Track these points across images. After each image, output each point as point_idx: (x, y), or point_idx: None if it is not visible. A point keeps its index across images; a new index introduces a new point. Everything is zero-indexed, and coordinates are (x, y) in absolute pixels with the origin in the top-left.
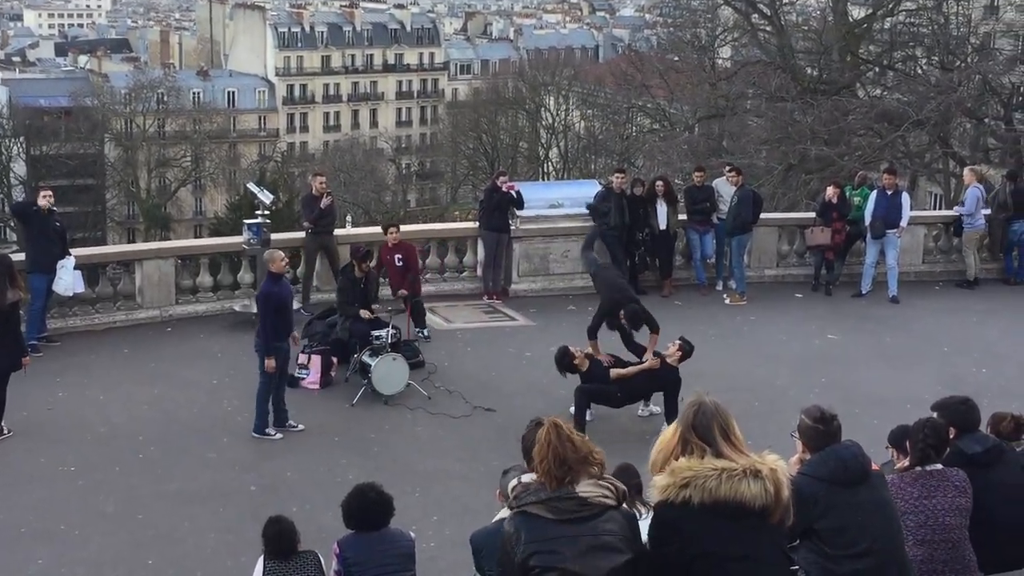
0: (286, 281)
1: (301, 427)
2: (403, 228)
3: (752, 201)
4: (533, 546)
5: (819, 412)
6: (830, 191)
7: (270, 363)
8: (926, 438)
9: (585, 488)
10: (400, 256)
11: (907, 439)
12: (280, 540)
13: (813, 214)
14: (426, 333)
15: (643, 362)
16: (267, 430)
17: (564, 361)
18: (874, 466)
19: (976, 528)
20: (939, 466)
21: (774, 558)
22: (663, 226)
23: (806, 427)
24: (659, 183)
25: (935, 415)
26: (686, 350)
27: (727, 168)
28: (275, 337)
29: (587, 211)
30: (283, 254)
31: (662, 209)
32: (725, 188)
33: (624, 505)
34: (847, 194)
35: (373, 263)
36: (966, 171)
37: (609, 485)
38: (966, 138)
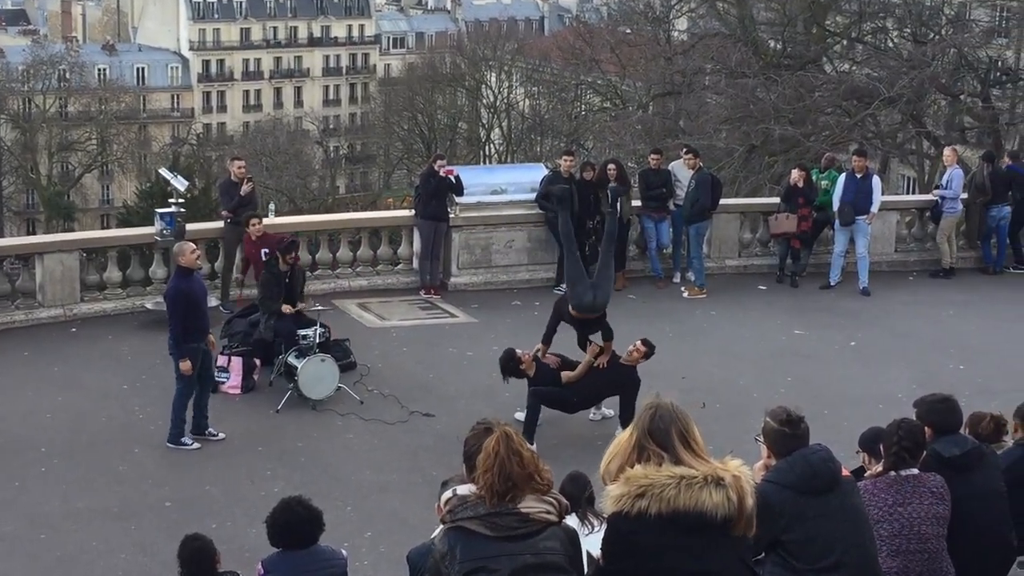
0: (198, 276)
1: (221, 436)
2: (332, 216)
3: (711, 186)
4: (469, 564)
5: (785, 414)
6: (795, 175)
7: (185, 365)
8: (900, 440)
9: (527, 504)
10: (268, 251)
11: (880, 442)
12: (198, 560)
13: (777, 200)
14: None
15: (594, 361)
16: (183, 439)
17: (510, 365)
18: (844, 472)
19: (954, 536)
20: (915, 471)
21: (738, 573)
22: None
23: (771, 430)
24: (611, 166)
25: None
26: (647, 351)
27: (684, 150)
28: (187, 338)
29: (536, 200)
30: (193, 246)
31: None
32: (682, 172)
33: (568, 520)
34: (814, 178)
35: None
36: (947, 151)
37: (551, 500)
38: (941, 116)
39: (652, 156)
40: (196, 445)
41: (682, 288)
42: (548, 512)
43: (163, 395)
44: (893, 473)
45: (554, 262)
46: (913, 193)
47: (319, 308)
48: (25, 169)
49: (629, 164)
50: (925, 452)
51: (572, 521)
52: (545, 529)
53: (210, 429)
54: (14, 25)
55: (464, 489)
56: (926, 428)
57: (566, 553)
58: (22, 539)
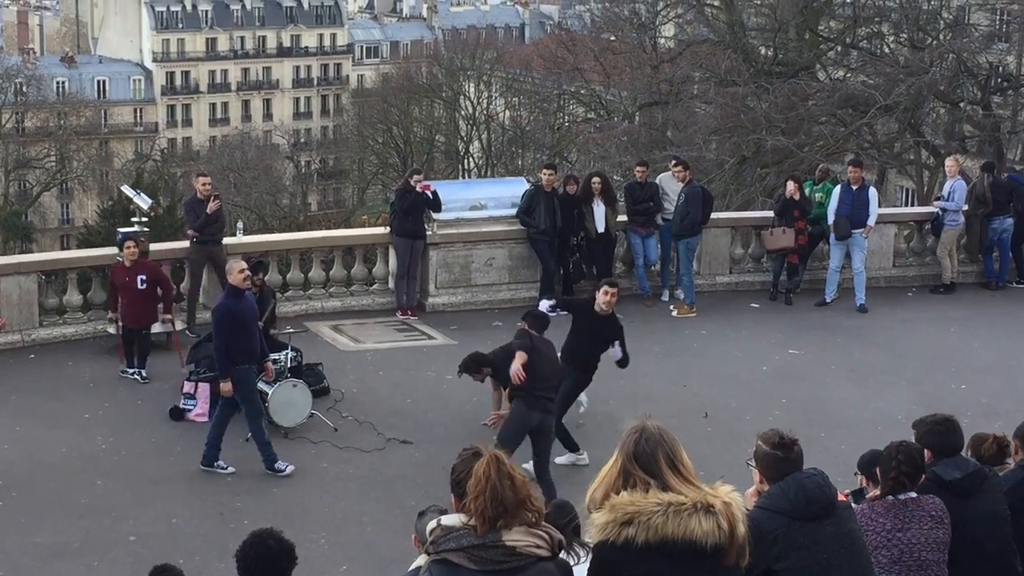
0: (249, 296)
1: (231, 470)
2: (304, 234)
3: (701, 199)
4: None
5: (778, 437)
6: (791, 187)
7: (225, 387)
8: (900, 464)
9: (514, 536)
10: (144, 277)
11: (878, 465)
12: None
13: (771, 213)
14: (144, 374)
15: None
16: (218, 463)
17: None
18: (840, 496)
19: (957, 562)
20: (913, 494)
21: None
22: (601, 229)
23: (763, 454)
24: (595, 180)
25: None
26: (617, 288)
27: (672, 162)
28: (233, 359)
29: (517, 216)
30: (243, 265)
31: (599, 209)
32: (671, 185)
33: (561, 555)
34: (806, 191)
35: (266, 276)
36: (949, 161)
37: (543, 534)
38: (940, 125)
39: (638, 168)
40: (231, 470)
41: (671, 307)
42: (538, 546)
43: (127, 424)
44: (891, 497)
45: (537, 280)
46: (912, 205)
47: (291, 331)
48: None
49: (615, 177)
50: (924, 475)
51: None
52: (535, 564)
53: (220, 462)
54: None
55: (449, 519)
56: (925, 451)
57: None
58: None
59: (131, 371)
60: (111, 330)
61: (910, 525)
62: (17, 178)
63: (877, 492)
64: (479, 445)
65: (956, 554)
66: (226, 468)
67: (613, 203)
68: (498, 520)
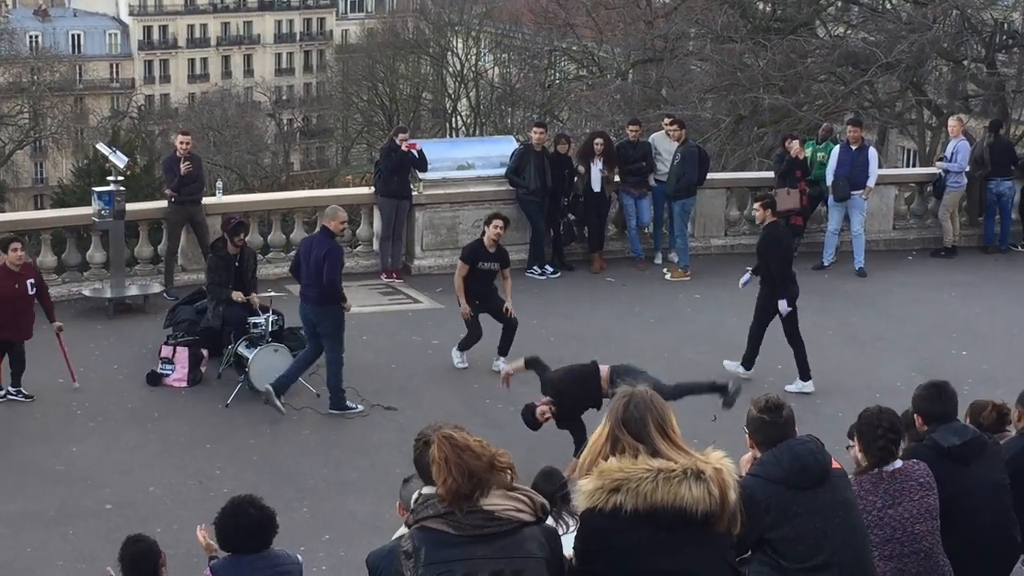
0: (339, 243)
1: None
2: (286, 194)
3: (697, 159)
4: (433, 568)
5: (764, 400)
6: (795, 147)
7: (348, 304)
8: (886, 432)
9: (493, 501)
10: (33, 281)
11: (858, 434)
12: (140, 564)
13: (769, 174)
14: (25, 392)
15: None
16: (347, 403)
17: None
18: (835, 464)
19: (956, 532)
20: (899, 463)
21: (720, 572)
22: (597, 188)
23: (752, 418)
24: (598, 140)
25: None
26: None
27: (666, 120)
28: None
29: (506, 176)
30: (345, 215)
31: (596, 169)
32: (664, 144)
33: (549, 521)
34: (810, 151)
35: (247, 236)
36: (952, 121)
37: (524, 497)
38: (943, 84)
39: (631, 127)
40: (361, 408)
41: (664, 270)
42: (519, 510)
43: (103, 388)
44: (878, 470)
45: (526, 243)
46: (913, 166)
47: (272, 294)
48: None
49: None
50: (923, 441)
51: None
52: (520, 530)
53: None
54: None
55: (429, 489)
56: (916, 416)
57: (545, 557)
58: None
59: (13, 391)
60: (86, 292)
61: (900, 499)
62: None
63: (864, 463)
64: (427, 430)
65: (954, 523)
66: (356, 407)
67: (612, 166)
68: (474, 492)
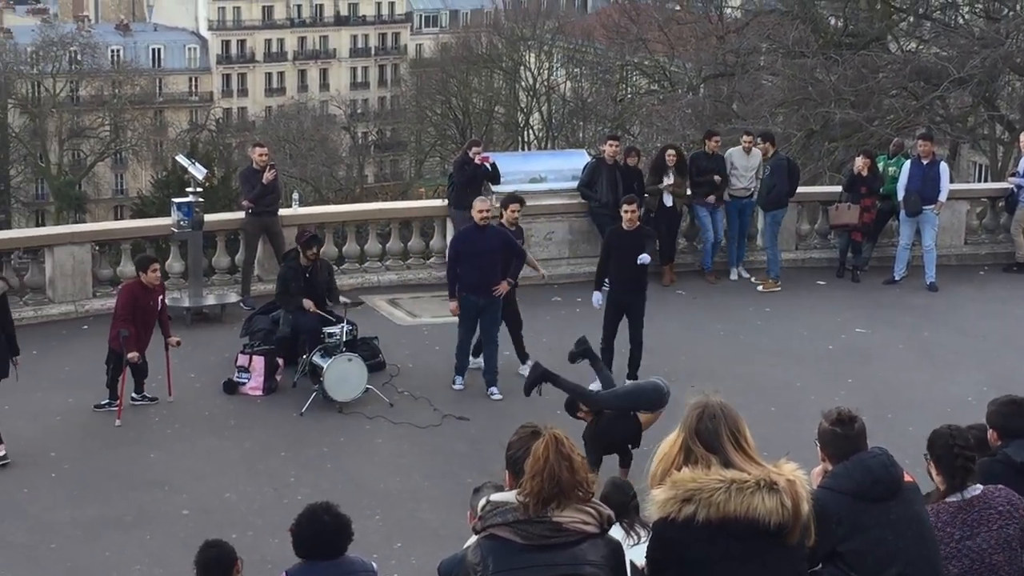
0: (492, 232)
1: (498, 396)
2: (361, 206)
3: (787, 171)
4: (501, 575)
5: (836, 413)
6: (859, 162)
7: (452, 305)
8: (962, 451)
9: (563, 513)
10: (162, 297)
11: (932, 458)
12: (216, 568)
13: (839, 188)
14: (148, 395)
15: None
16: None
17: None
18: (907, 477)
19: None
20: (979, 488)
21: None
22: (669, 202)
23: (823, 431)
24: (670, 153)
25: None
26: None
27: (745, 135)
28: (460, 286)
29: (578, 189)
30: (482, 206)
31: (667, 180)
32: (741, 160)
33: (612, 531)
34: (881, 165)
35: (320, 250)
36: (1023, 136)
37: (591, 509)
38: (1015, 99)
39: (714, 139)
40: (497, 396)
41: (753, 280)
42: (586, 523)
43: (181, 395)
44: (957, 498)
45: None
46: (984, 181)
47: (346, 303)
48: (34, 157)
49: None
50: (995, 456)
51: (617, 532)
52: (584, 541)
53: (492, 389)
54: (23, 4)
55: (499, 496)
56: (992, 432)
57: (609, 566)
58: (30, 548)
59: (138, 396)
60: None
61: (979, 529)
62: (71, 147)
63: (942, 488)
64: (538, 423)
65: None
66: (496, 393)
67: (686, 178)
68: (552, 501)
